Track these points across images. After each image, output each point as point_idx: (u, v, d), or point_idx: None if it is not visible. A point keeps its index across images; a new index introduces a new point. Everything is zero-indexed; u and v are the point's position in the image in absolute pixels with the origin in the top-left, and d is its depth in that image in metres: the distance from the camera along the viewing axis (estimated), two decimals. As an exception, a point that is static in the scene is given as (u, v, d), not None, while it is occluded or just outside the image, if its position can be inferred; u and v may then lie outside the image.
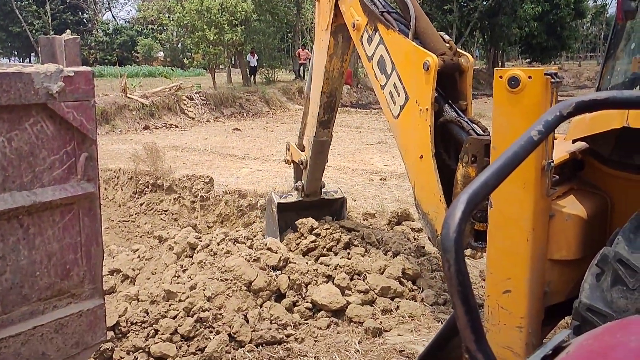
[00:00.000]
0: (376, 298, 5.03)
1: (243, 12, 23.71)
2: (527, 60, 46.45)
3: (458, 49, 4.45)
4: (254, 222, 9.00)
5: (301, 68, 30.24)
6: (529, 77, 2.79)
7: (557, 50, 43.53)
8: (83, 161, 2.11)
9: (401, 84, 4.43)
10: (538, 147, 1.05)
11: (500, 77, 2.87)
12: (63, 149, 2.06)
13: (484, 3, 30.89)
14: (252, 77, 28.53)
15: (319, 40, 5.79)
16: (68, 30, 2.44)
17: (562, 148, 3.22)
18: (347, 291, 4.97)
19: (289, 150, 6.84)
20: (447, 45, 4.42)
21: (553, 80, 2.82)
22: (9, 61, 58.59)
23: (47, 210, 2.04)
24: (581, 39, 54.41)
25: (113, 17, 56.09)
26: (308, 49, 30.05)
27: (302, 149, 6.51)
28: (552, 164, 2.86)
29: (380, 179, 10.95)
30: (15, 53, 54.68)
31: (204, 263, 5.50)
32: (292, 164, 6.85)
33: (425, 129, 4.14)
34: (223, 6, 23.09)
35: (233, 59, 32.22)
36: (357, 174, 11.66)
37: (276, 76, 30.12)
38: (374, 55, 4.76)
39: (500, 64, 40.48)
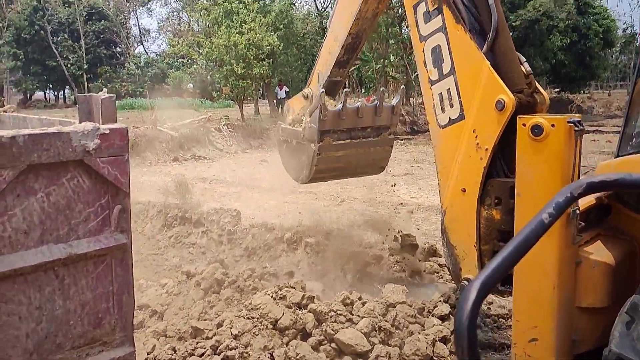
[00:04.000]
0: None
1: (269, 47, 24.15)
2: (556, 89, 46.16)
3: (537, 85, 3.92)
4: (280, 255, 9.05)
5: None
6: (552, 125, 2.80)
7: (586, 79, 43.13)
8: (117, 213, 2.21)
9: (458, 97, 3.91)
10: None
11: (524, 124, 2.89)
12: (98, 202, 2.16)
13: (512, 34, 30.99)
14: (280, 108, 28.90)
15: None
16: (105, 89, 2.56)
17: (588, 193, 3.20)
18: (371, 337, 4.86)
19: (288, 111, 6.18)
20: (527, 80, 3.86)
21: (577, 128, 2.83)
22: (45, 93, 60.46)
23: (82, 261, 2.13)
24: (610, 68, 53.87)
25: (145, 50, 57.69)
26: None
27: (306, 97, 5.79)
28: (577, 212, 2.85)
29: (407, 212, 10.93)
30: (50, 86, 56.42)
31: (231, 300, 5.57)
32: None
33: (477, 167, 3.75)
34: (250, 41, 23.57)
35: (262, 90, 32.72)
36: (383, 206, 11.67)
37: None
38: (429, 38, 4.12)
39: (528, 93, 40.15)
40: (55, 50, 45.94)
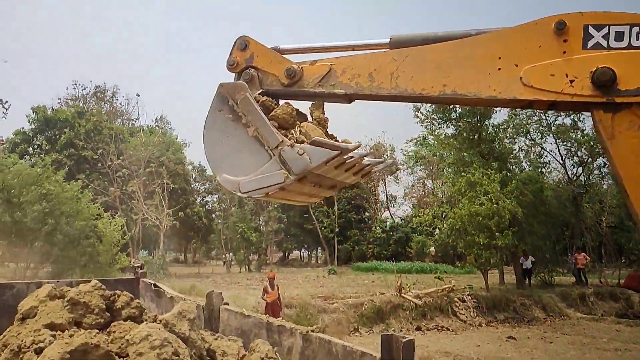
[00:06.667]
0: None
1: (511, 216, 23.80)
2: None
3: None
4: None
5: (580, 273, 28.25)
6: None
7: None
8: None
9: None
10: None
11: None
12: None
13: None
14: (527, 279, 27.52)
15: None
16: (401, 332, 2.94)
17: None
18: None
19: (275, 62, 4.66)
20: None
21: None
22: (300, 252, 66.99)
23: None
24: None
25: (390, 215, 61.04)
26: (586, 253, 28.34)
27: None
28: None
29: None
30: (305, 246, 62.54)
31: None
32: None
33: None
34: (491, 211, 23.60)
35: (506, 259, 31.85)
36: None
37: (554, 279, 28.59)
38: None
39: None
40: (312, 215, 51.41)
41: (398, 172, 60.13)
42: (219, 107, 4.31)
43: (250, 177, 4.13)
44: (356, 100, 4.51)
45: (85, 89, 49.94)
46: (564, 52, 3.60)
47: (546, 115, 33.33)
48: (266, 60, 4.51)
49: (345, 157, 4.11)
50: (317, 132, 4.31)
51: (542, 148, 35.47)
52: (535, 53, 3.68)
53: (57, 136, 37.87)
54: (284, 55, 4.57)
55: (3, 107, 19.99)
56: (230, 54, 4.58)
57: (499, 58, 3.79)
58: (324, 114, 4.58)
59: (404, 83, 4.08)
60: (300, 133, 4.25)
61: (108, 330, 3.94)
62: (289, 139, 4.14)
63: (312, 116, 4.54)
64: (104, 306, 4.13)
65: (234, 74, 4.60)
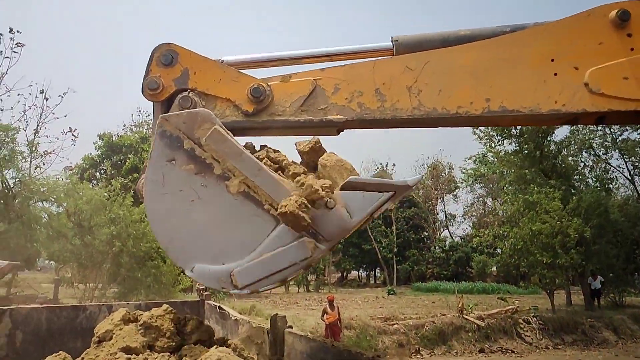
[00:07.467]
0: None
1: (577, 234, 22.93)
2: None
3: None
4: None
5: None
6: None
7: None
8: None
9: None
10: None
11: None
12: None
13: None
14: (596, 300, 26.39)
15: None
16: None
17: None
18: None
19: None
20: None
21: None
22: (358, 273, 66.52)
23: None
24: None
25: (450, 234, 60.03)
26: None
27: None
28: None
29: None
30: (364, 266, 62.12)
31: None
32: None
33: None
34: (554, 229, 22.85)
35: (573, 279, 30.69)
36: None
37: (625, 300, 27.28)
38: None
39: None
40: (370, 235, 51.16)
41: (457, 190, 59.21)
42: (167, 156, 2.83)
43: (249, 259, 2.71)
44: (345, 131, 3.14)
45: (148, 115, 51.80)
46: (631, 49, 2.83)
47: (611, 130, 32.13)
48: (211, 77, 3.03)
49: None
50: (340, 167, 2.88)
51: (607, 164, 34.16)
52: (596, 52, 2.87)
53: (122, 161, 39.31)
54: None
55: (73, 135, 20.98)
56: (147, 74, 3.04)
57: (552, 60, 2.89)
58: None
59: (429, 100, 2.91)
60: (320, 175, 2.87)
61: (179, 353, 4.07)
62: (300, 185, 2.76)
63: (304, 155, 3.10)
64: (175, 330, 4.27)
65: (154, 104, 3.07)
